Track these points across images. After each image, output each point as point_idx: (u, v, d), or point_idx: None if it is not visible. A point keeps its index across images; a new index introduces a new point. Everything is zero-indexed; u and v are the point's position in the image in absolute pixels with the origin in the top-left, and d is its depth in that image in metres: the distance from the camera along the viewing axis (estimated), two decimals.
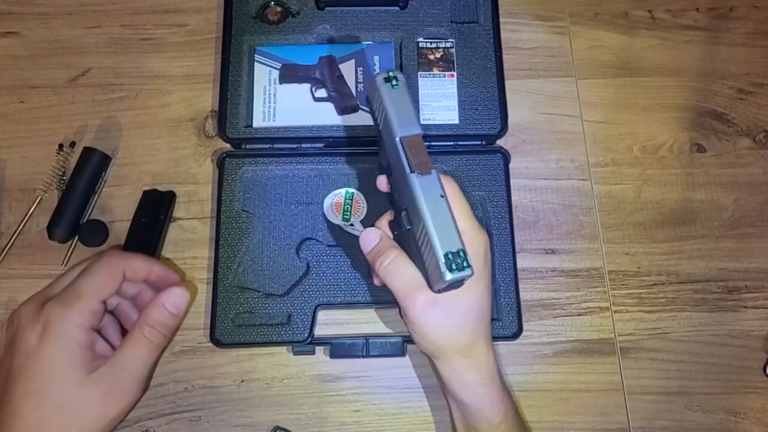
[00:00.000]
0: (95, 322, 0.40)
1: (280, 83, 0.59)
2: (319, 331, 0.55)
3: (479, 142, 0.59)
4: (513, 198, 0.58)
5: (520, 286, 0.55)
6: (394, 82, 0.41)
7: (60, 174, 0.58)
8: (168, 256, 0.57)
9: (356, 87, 0.59)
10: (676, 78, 0.64)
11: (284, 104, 0.59)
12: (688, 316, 0.57)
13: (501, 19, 0.62)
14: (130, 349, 0.40)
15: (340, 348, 0.54)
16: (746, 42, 0.65)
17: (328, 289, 0.55)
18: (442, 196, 0.39)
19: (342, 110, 0.58)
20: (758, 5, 0.66)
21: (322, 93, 0.59)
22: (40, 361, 0.37)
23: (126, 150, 0.60)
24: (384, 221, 0.46)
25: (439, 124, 0.59)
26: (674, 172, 0.61)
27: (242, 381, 0.54)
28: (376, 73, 0.42)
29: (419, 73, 0.60)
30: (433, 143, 0.59)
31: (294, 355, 0.54)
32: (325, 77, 0.59)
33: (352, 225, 0.56)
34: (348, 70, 0.60)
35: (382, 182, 0.46)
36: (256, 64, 0.60)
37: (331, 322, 0.55)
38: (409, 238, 0.41)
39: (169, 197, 0.57)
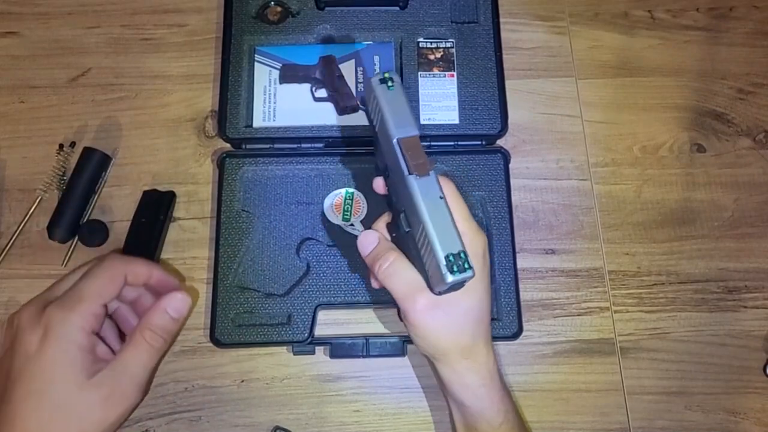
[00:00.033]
0: (96, 326, 0.40)
1: (280, 83, 0.59)
2: (319, 331, 0.55)
3: (479, 142, 0.59)
4: (513, 198, 0.58)
5: (520, 286, 0.55)
6: (389, 84, 0.40)
7: (60, 174, 0.58)
8: (168, 256, 0.57)
9: (356, 87, 0.59)
10: (676, 78, 0.64)
11: (284, 104, 0.59)
12: (688, 316, 0.57)
13: (501, 19, 0.62)
14: (131, 353, 0.40)
15: (340, 348, 0.54)
16: (746, 42, 0.65)
17: (328, 289, 0.55)
18: (441, 198, 0.38)
19: (342, 110, 0.58)
20: (758, 5, 0.66)
21: (322, 93, 0.59)
22: (41, 364, 0.37)
23: (126, 150, 0.60)
24: (381, 223, 0.46)
25: (439, 124, 0.59)
26: (674, 172, 0.61)
27: (242, 381, 0.54)
28: (372, 74, 0.41)
29: (419, 73, 0.60)
30: (433, 143, 0.59)
31: (294, 355, 0.54)
32: (325, 77, 0.59)
33: (352, 225, 0.56)
34: (348, 70, 0.60)
35: (379, 184, 0.45)
36: (256, 64, 0.60)
37: (331, 322, 0.55)
38: (408, 240, 0.41)
39: (169, 197, 0.57)
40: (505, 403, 0.45)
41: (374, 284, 0.46)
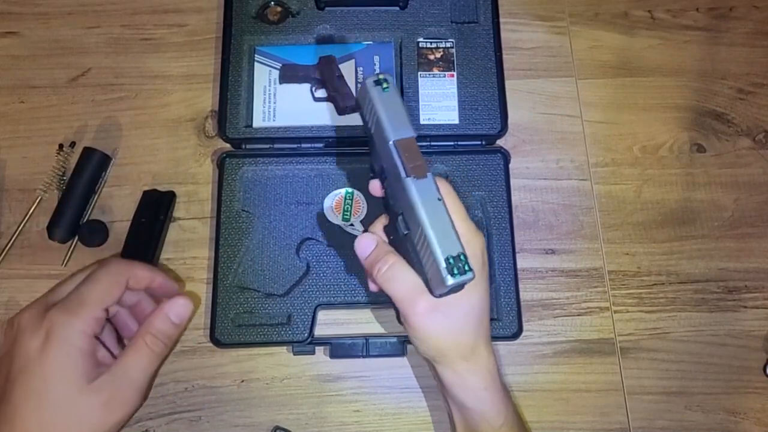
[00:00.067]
0: (98, 330, 0.40)
1: (280, 83, 0.59)
2: (319, 331, 0.55)
3: (479, 142, 0.59)
4: (513, 198, 0.58)
5: (520, 286, 0.55)
6: (384, 85, 0.40)
7: (60, 174, 0.58)
8: (168, 256, 0.57)
9: (356, 87, 0.59)
10: (676, 78, 0.64)
11: (284, 104, 0.59)
12: (688, 316, 0.57)
13: (501, 19, 0.62)
14: (131, 357, 0.40)
15: (340, 348, 0.54)
16: (746, 42, 0.65)
17: (328, 289, 0.55)
18: (439, 199, 0.38)
19: (342, 110, 0.58)
20: (758, 5, 0.66)
21: (322, 93, 0.59)
22: (42, 368, 0.37)
23: (126, 150, 0.60)
24: (378, 226, 0.45)
25: (439, 124, 0.59)
26: (674, 172, 0.61)
27: (242, 381, 0.54)
28: (372, 74, 0.41)
29: (419, 73, 0.60)
30: (433, 143, 0.59)
31: (294, 355, 0.54)
32: (325, 77, 0.59)
33: (352, 225, 0.56)
34: (348, 70, 0.60)
35: (375, 187, 0.45)
36: (256, 64, 0.60)
37: (331, 322, 0.55)
38: (406, 242, 0.41)
39: (169, 197, 0.57)
40: (505, 404, 0.45)
41: (372, 287, 0.45)
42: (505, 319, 0.54)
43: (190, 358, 0.54)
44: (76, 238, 0.56)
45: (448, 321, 0.41)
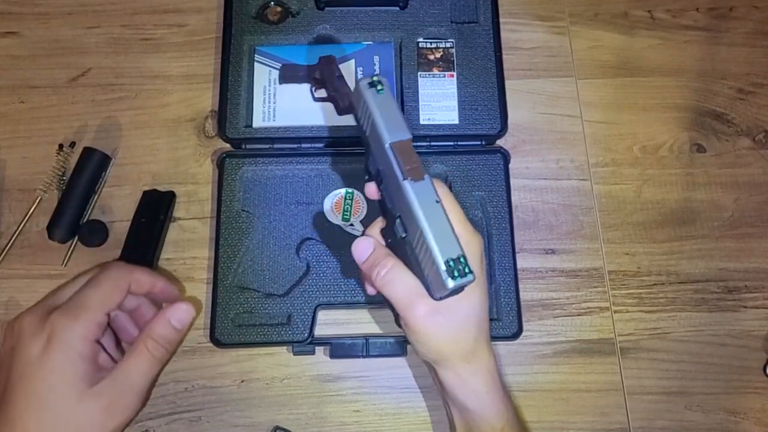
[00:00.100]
0: (99, 335, 0.40)
1: (280, 83, 0.59)
2: (319, 331, 0.55)
3: (479, 142, 0.59)
4: (513, 198, 0.58)
5: (520, 286, 0.55)
6: (378, 87, 0.39)
7: (60, 174, 0.58)
8: (168, 256, 0.57)
9: None
10: (676, 78, 0.64)
11: (284, 104, 0.59)
12: (688, 316, 0.57)
13: (501, 19, 0.62)
14: (132, 362, 0.40)
15: (340, 348, 0.54)
16: (746, 42, 0.65)
17: (328, 289, 0.55)
18: (437, 202, 0.38)
19: (342, 110, 0.58)
20: (758, 5, 0.66)
21: (322, 93, 0.59)
22: (43, 372, 0.37)
23: (126, 150, 0.60)
24: (375, 229, 0.45)
25: (439, 124, 0.59)
26: (674, 172, 0.61)
27: (242, 381, 0.54)
28: (359, 79, 0.40)
29: (419, 73, 0.60)
30: (432, 143, 0.59)
31: (294, 355, 0.54)
32: (325, 77, 0.59)
33: (352, 225, 0.56)
34: (348, 70, 0.60)
35: (371, 190, 0.44)
36: (256, 64, 0.60)
37: (331, 322, 0.55)
38: (404, 245, 0.40)
39: (169, 197, 0.57)
40: (506, 405, 0.45)
41: (369, 291, 0.45)
42: (505, 319, 0.54)
43: (190, 358, 0.54)
44: (76, 238, 0.56)
45: (449, 323, 0.41)
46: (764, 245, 0.59)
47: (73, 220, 0.56)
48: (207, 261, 0.57)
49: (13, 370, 0.38)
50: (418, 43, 0.61)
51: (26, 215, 0.57)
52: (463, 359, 0.43)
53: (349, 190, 0.57)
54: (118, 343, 0.45)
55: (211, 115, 0.61)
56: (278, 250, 0.56)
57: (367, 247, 0.43)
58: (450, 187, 0.57)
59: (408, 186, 0.38)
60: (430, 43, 0.61)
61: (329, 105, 0.59)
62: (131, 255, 0.54)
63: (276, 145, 0.58)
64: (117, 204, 0.58)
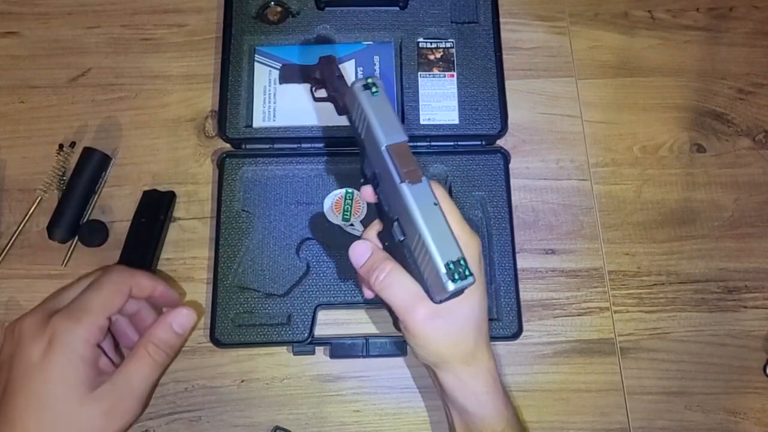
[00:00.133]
0: (100, 338, 0.40)
1: (280, 83, 0.59)
2: (319, 331, 0.55)
3: (479, 142, 0.59)
4: (513, 198, 0.58)
5: (520, 286, 0.55)
6: (373, 89, 0.39)
7: (60, 174, 0.58)
8: (168, 256, 0.57)
9: None
10: (676, 78, 0.64)
11: (284, 104, 0.59)
12: (688, 316, 0.57)
13: (501, 19, 0.62)
14: (133, 366, 0.40)
15: (340, 348, 0.54)
16: (746, 42, 0.65)
17: (328, 289, 0.55)
18: (435, 204, 0.37)
19: (342, 110, 0.58)
20: (758, 5, 0.66)
21: (322, 93, 0.59)
22: (44, 374, 0.37)
23: (126, 150, 0.60)
24: (372, 232, 0.44)
25: (439, 124, 0.59)
26: (674, 172, 0.61)
27: (242, 381, 0.54)
28: (353, 81, 0.40)
29: (419, 73, 0.60)
30: (433, 143, 0.59)
31: (294, 355, 0.54)
32: (325, 77, 0.59)
33: (352, 225, 0.56)
34: (348, 70, 0.60)
35: (368, 193, 0.43)
36: (256, 64, 0.60)
37: (331, 322, 0.55)
38: (402, 249, 0.40)
39: (169, 197, 0.57)
40: (506, 406, 0.45)
41: (367, 294, 0.45)
42: (505, 319, 0.54)
43: (190, 358, 0.54)
44: (76, 238, 0.56)
45: (449, 326, 0.41)
46: (764, 245, 0.59)
47: (73, 220, 0.56)
48: (207, 261, 0.57)
49: (14, 373, 0.38)
50: (418, 43, 0.61)
51: (26, 215, 0.57)
52: (463, 362, 0.42)
53: (349, 190, 0.57)
54: (117, 346, 0.45)
55: (211, 115, 0.61)
56: (278, 250, 0.56)
57: (364, 250, 0.42)
58: (450, 188, 0.57)
59: (405, 189, 0.37)
60: (430, 43, 0.61)
61: (329, 105, 0.59)
62: (131, 255, 0.54)
63: (276, 145, 0.58)
64: (117, 204, 0.58)
